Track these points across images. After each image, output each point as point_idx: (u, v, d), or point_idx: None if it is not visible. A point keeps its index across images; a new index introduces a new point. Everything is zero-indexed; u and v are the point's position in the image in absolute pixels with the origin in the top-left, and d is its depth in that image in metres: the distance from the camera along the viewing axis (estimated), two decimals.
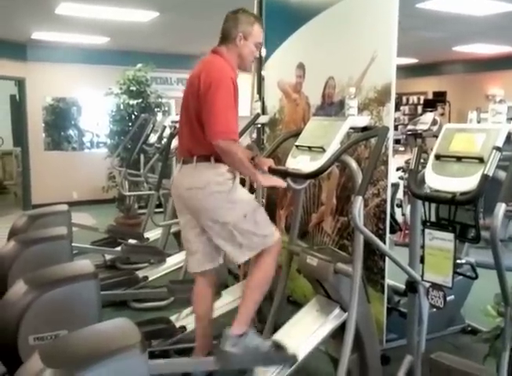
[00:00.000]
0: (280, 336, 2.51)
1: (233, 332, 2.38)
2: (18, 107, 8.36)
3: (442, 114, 10.17)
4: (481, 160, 1.87)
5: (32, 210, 4.92)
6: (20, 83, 8.15)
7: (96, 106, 8.40)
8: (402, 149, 6.21)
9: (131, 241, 4.89)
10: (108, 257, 4.75)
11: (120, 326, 1.89)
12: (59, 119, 8.56)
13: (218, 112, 2.31)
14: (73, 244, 3.43)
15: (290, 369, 2.36)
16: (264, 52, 3.97)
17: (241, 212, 2.43)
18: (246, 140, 2.97)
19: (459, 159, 1.96)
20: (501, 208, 1.80)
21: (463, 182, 1.89)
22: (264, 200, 3.78)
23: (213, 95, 2.31)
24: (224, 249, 2.52)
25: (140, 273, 4.23)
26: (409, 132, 4.91)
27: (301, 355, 2.38)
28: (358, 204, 2.10)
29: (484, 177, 1.82)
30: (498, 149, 1.86)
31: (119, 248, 4.60)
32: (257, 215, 2.49)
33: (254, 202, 2.60)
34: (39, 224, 3.53)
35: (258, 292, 2.49)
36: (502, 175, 1.88)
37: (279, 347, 2.41)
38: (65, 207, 3.93)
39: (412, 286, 2.32)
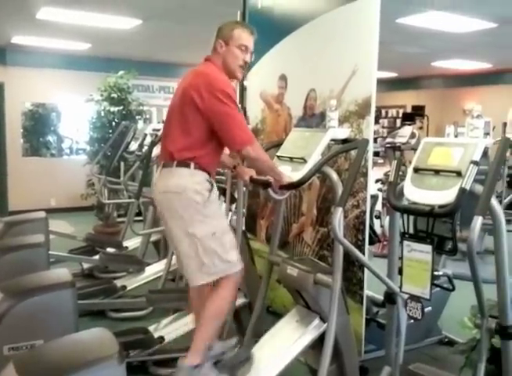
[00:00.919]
0: (260, 346, 2.51)
1: (188, 363, 2.32)
2: None
3: (421, 128, 10.33)
4: (458, 173, 1.91)
5: (9, 217, 4.83)
6: None
7: (76, 113, 8.32)
8: (380, 161, 6.29)
9: (110, 250, 4.84)
10: (86, 265, 4.69)
11: (98, 336, 1.87)
12: (38, 125, 8.45)
13: (235, 123, 2.33)
14: (50, 252, 3.39)
15: None
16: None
17: (211, 229, 2.37)
18: (228, 150, 2.97)
19: (437, 172, 2.00)
20: (478, 221, 1.83)
21: (441, 195, 1.93)
22: (245, 210, 3.78)
23: (223, 108, 2.31)
24: (185, 266, 2.44)
25: (118, 282, 4.18)
26: (388, 145, 4.99)
27: (281, 365, 2.38)
28: (338, 215, 2.11)
29: (462, 190, 1.86)
30: (475, 163, 1.90)
31: (97, 257, 4.55)
32: (225, 236, 2.43)
33: (225, 223, 2.51)
34: (16, 231, 3.48)
35: (214, 323, 2.42)
36: (479, 188, 1.92)
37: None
38: (42, 214, 3.88)
39: (390, 297, 2.35)
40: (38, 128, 8.47)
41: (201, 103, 2.33)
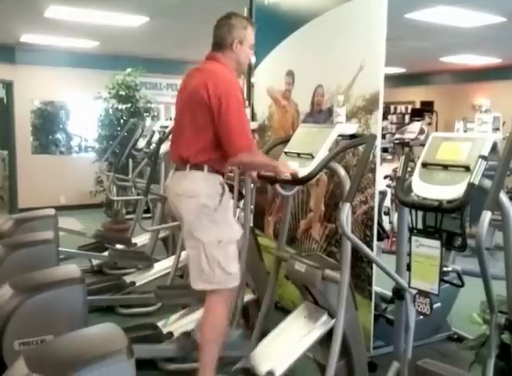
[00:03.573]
0: (268, 342, 2.51)
1: None
2: (5, 110, 8.29)
3: (430, 124, 10.26)
4: (467, 168, 1.90)
5: (18, 214, 4.87)
6: (8, 86, 8.09)
7: (85, 111, 8.36)
8: (389, 157, 6.26)
9: (119, 246, 4.87)
10: (95, 262, 4.72)
11: (107, 331, 1.87)
12: (47, 123, 8.50)
13: (235, 128, 2.31)
14: (59, 249, 3.41)
15: None
16: (253, 59, 4.00)
17: (217, 236, 2.38)
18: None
19: (445, 167, 1.98)
20: (486, 216, 1.82)
21: (450, 190, 1.91)
22: (253, 207, 3.78)
23: (227, 111, 2.30)
24: (189, 267, 2.48)
25: (127, 279, 4.20)
26: (397, 141, 4.96)
27: (289, 361, 2.38)
28: (345, 211, 2.11)
29: (471, 185, 1.84)
30: (484, 158, 1.89)
31: (106, 253, 4.58)
32: (230, 247, 2.43)
33: (232, 233, 2.50)
34: (25, 228, 3.50)
35: (215, 343, 2.43)
36: (488, 183, 1.90)
37: None
38: (52, 211, 3.90)
39: (399, 293, 2.34)
40: (47, 126, 8.52)
41: (210, 104, 2.32)
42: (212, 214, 2.36)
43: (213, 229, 2.37)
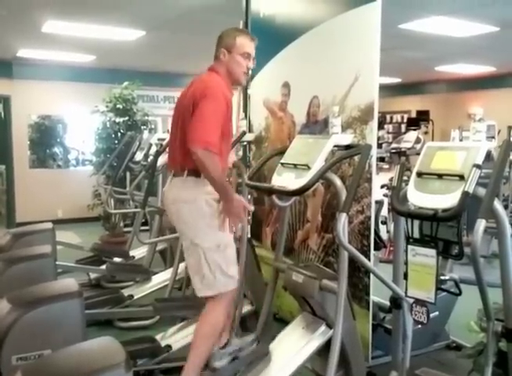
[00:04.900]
0: None
1: None
2: (3, 125, 8.31)
3: (426, 133, 10.31)
4: (461, 177, 1.91)
5: (16, 228, 4.87)
6: (5, 101, 8.12)
7: (82, 124, 8.40)
8: (386, 166, 6.29)
9: (117, 259, 4.86)
10: (93, 275, 4.70)
11: (105, 345, 1.87)
12: (45, 137, 8.52)
13: (201, 120, 2.30)
14: (57, 263, 3.41)
15: None
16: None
17: (216, 241, 2.40)
18: (232, 158, 3.01)
19: (440, 176, 2.00)
20: (481, 225, 1.83)
21: (445, 198, 1.92)
22: (250, 218, 3.79)
23: (201, 105, 2.31)
24: (191, 276, 2.49)
25: (125, 292, 4.19)
26: (393, 150, 4.99)
27: (287, 372, 2.37)
28: (342, 221, 2.12)
29: (465, 194, 1.86)
30: (478, 166, 1.90)
31: (104, 267, 4.57)
32: (228, 250, 2.46)
33: (230, 236, 2.53)
34: (23, 242, 3.49)
35: (208, 343, 2.43)
36: (482, 191, 1.91)
37: None
38: (49, 225, 3.90)
39: (396, 302, 2.34)
40: (45, 140, 8.54)
41: (192, 106, 2.36)
42: (210, 219, 2.38)
43: (211, 233, 2.40)
